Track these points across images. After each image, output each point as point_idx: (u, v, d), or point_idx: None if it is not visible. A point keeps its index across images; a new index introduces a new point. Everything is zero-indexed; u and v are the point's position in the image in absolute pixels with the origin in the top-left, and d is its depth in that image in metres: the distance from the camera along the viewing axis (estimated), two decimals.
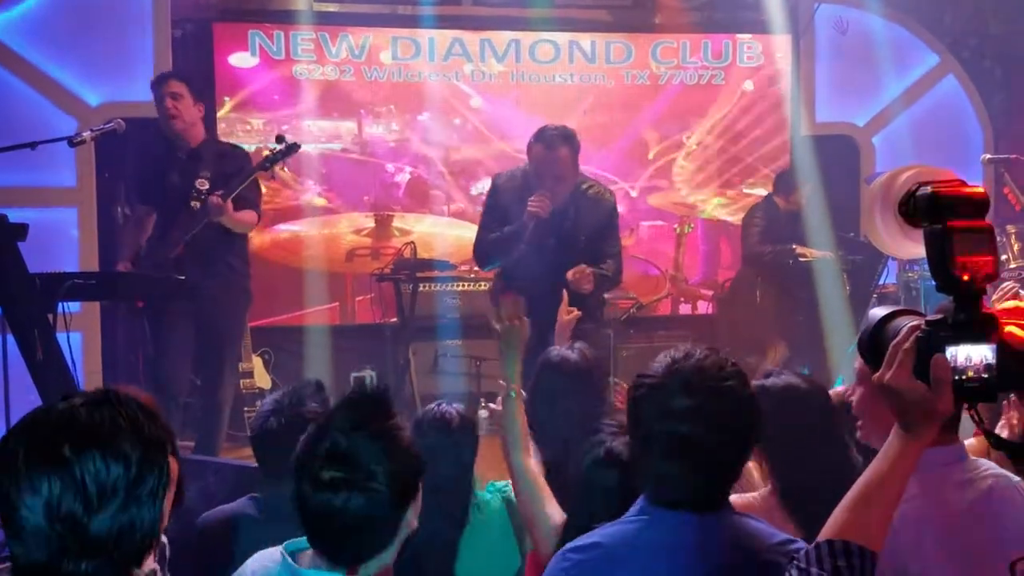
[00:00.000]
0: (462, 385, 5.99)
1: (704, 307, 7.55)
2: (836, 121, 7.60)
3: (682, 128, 7.60)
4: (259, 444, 2.54)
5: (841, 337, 5.94)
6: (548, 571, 1.83)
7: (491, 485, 2.84)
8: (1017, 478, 1.78)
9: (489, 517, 2.72)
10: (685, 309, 7.63)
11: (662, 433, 1.76)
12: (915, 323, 1.41)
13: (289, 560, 1.83)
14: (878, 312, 1.55)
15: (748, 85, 7.65)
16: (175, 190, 4.78)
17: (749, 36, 7.58)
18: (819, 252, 6.39)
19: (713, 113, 7.62)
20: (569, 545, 1.83)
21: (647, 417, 1.79)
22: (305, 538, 1.83)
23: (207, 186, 4.71)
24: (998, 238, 5.54)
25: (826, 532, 1.47)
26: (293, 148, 4.74)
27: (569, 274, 4.46)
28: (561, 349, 3.17)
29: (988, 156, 6.09)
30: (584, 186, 4.74)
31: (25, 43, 6.25)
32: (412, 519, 1.82)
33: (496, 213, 4.79)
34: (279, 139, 4.78)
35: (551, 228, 4.64)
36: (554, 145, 4.55)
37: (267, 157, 4.74)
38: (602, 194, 4.78)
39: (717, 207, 7.69)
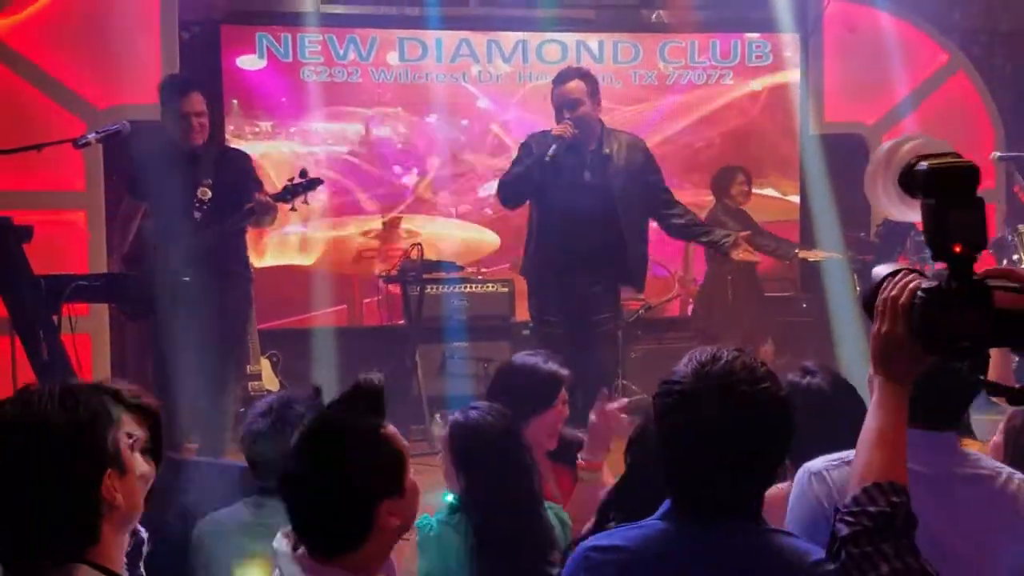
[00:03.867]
0: (469, 387, 5.96)
1: None
2: (845, 120, 7.57)
3: (690, 128, 7.58)
4: (247, 445, 2.57)
5: (851, 337, 5.90)
6: (568, 566, 1.77)
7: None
8: None
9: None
10: None
11: (693, 441, 1.68)
12: (911, 281, 1.51)
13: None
14: (882, 270, 1.60)
15: (756, 84, 7.62)
16: (174, 193, 4.68)
17: (758, 35, 7.55)
18: (824, 253, 6.34)
19: (721, 113, 7.59)
20: (591, 542, 1.77)
21: (677, 425, 1.71)
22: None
23: (209, 195, 4.66)
24: (1009, 238, 5.55)
25: (862, 479, 1.54)
26: (315, 183, 4.70)
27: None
28: (523, 356, 3.18)
29: (998, 154, 6.05)
30: (615, 129, 4.82)
31: (32, 46, 6.26)
32: (390, 517, 1.76)
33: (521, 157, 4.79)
34: (302, 173, 4.73)
35: (585, 160, 4.61)
36: (564, 78, 4.65)
37: (287, 188, 4.67)
38: (635, 140, 4.81)
39: None
